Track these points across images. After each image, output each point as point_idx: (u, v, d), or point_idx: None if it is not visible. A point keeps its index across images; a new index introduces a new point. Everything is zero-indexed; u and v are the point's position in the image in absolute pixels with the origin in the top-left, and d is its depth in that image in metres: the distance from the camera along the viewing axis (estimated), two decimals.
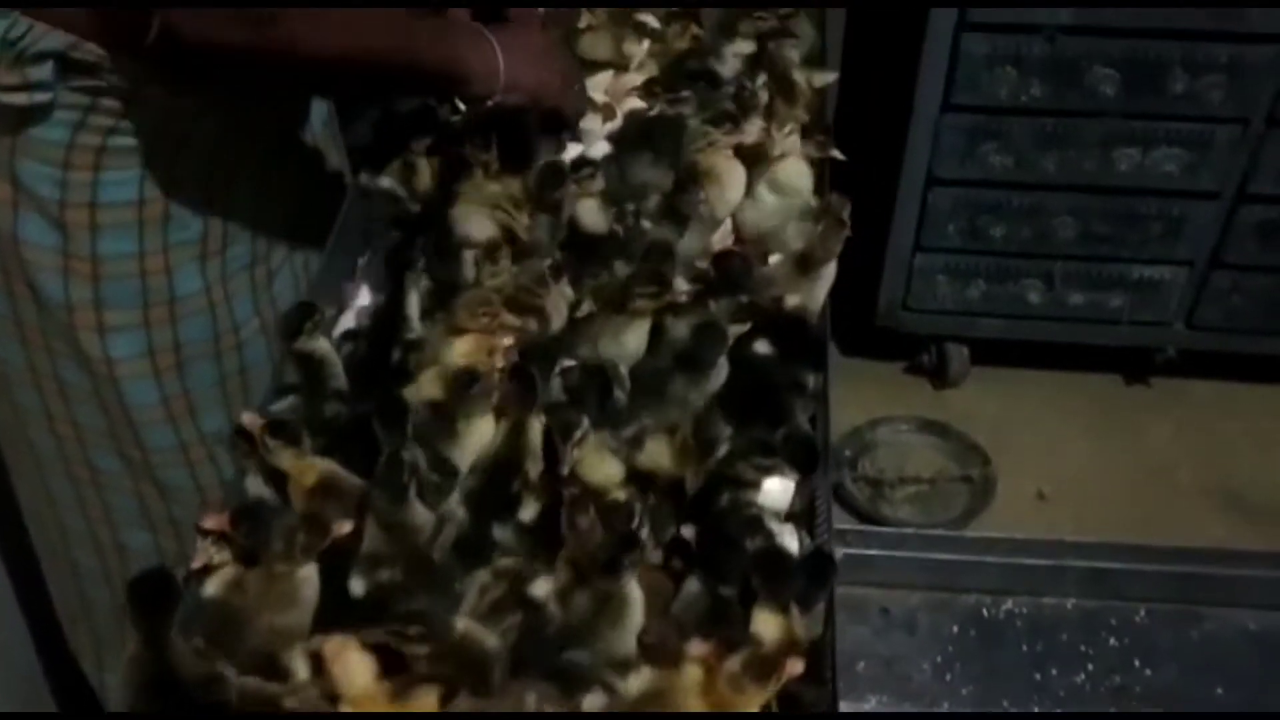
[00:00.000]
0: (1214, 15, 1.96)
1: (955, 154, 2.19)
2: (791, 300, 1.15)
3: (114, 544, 1.45)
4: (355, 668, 0.85)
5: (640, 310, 1.08)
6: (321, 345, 1.10)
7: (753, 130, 1.25)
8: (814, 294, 1.18)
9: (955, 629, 2.23)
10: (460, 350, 1.05)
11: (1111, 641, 2.20)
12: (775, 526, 1.01)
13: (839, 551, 1.05)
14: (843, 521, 2.43)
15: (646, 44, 1.49)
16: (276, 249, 1.35)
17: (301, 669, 0.88)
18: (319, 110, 1.42)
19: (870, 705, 2.06)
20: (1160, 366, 2.58)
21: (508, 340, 1.07)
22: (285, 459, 0.97)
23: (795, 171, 1.25)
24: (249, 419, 0.99)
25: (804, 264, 1.17)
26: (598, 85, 1.45)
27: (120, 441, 1.34)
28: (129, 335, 1.25)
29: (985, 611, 2.25)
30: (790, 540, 1.02)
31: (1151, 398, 2.64)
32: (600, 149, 1.31)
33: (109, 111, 1.14)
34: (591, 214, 1.19)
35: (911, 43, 2.07)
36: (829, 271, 1.17)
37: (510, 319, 1.07)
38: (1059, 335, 2.49)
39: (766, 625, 0.91)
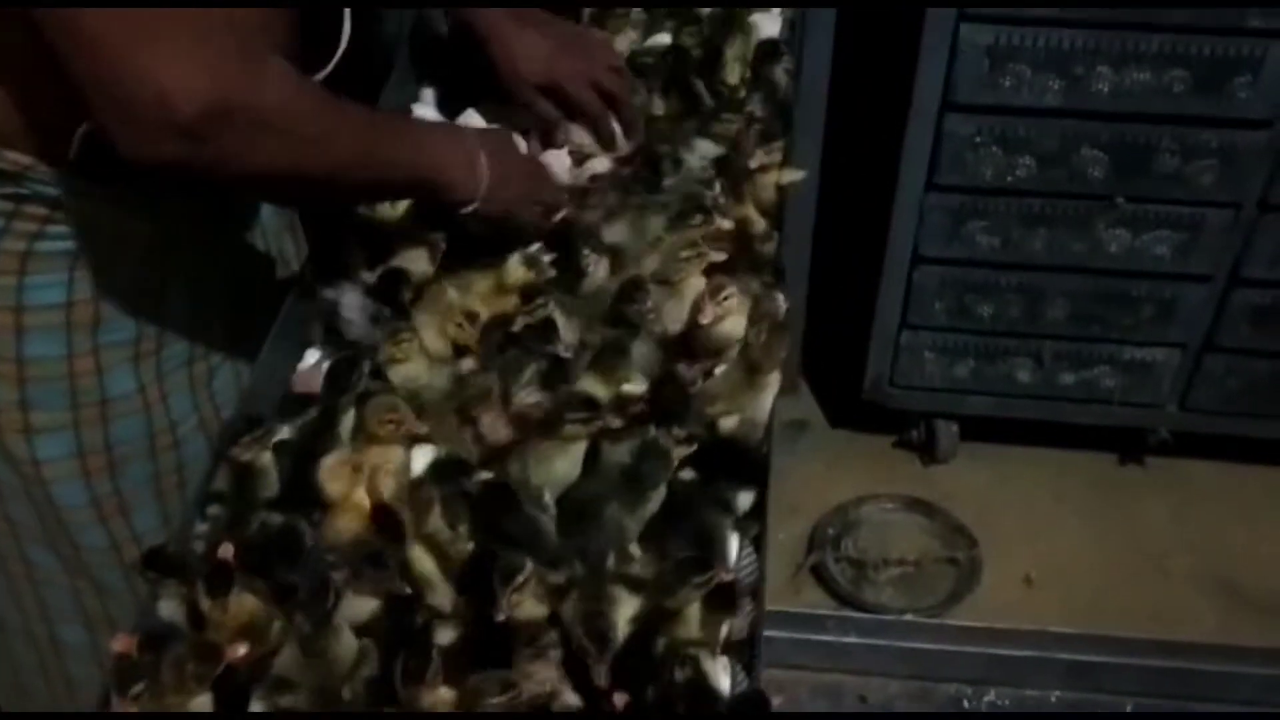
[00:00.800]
0: (1203, 100, 1.92)
1: (941, 233, 2.15)
2: (730, 422, 1.10)
3: (49, 639, 1.41)
4: None
5: (572, 435, 1.04)
6: (262, 457, 1.06)
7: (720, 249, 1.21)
8: (760, 405, 1.13)
9: None
10: (373, 462, 1.01)
11: None
12: (707, 663, 0.97)
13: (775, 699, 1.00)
14: (823, 604, 2.37)
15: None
16: (216, 347, 1.31)
17: None
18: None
19: None
20: (1154, 447, 2.52)
21: (424, 454, 1.03)
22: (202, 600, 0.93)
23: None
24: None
25: (750, 372, 1.13)
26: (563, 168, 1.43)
27: (53, 538, 1.31)
28: (57, 437, 1.22)
29: (966, 702, 2.18)
30: (722, 677, 0.98)
31: (1145, 479, 2.58)
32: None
33: (34, 217, 1.11)
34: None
35: (896, 122, 2.04)
36: (774, 379, 1.12)
37: (418, 426, 1.03)
38: (1049, 414, 2.44)
39: None
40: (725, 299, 1.14)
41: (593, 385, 1.10)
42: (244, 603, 0.93)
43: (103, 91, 0.91)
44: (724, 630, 0.98)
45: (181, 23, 0.90)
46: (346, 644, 0.93)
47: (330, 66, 1.18)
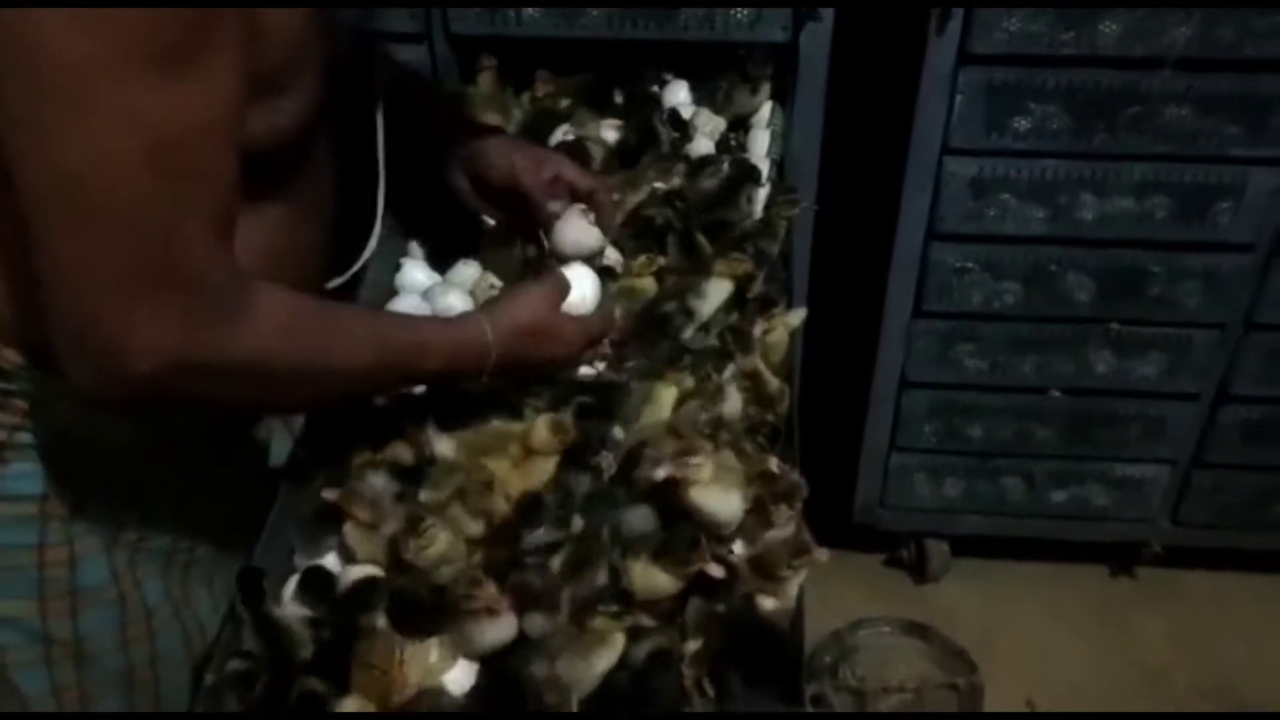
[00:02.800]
0: (1187, 226, 1.93)
1: (929, 358, 2.14)
2: (766, 604, 1.06)
3: None
4: None
5: (605, 630, 1.00)
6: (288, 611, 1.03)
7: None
8: (787, 591, 1.09)
9: None
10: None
11: None
12: None
13: None
14: None
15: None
16: (201, 537, 1.26)
17: None
18: None
19: None
20: (1147, 560, 2.50)
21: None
22: None
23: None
24: None
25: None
26: None
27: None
28: (20, 625, 1.16)
29: None
30: None
31: (1140, 591, 2.55)
32: None
33: (16, 410, 1.07)
34: None
35: (882, 251, 2.03)
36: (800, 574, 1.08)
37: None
38: (1041, 532, 2.42)
39: None
40: (695, 464, 1.09)
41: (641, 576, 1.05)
42: None
43: (63, 324, 0.87)
44: None
45: (170, 272, 0.86)
46: None
47: (349, 275, 1.16)
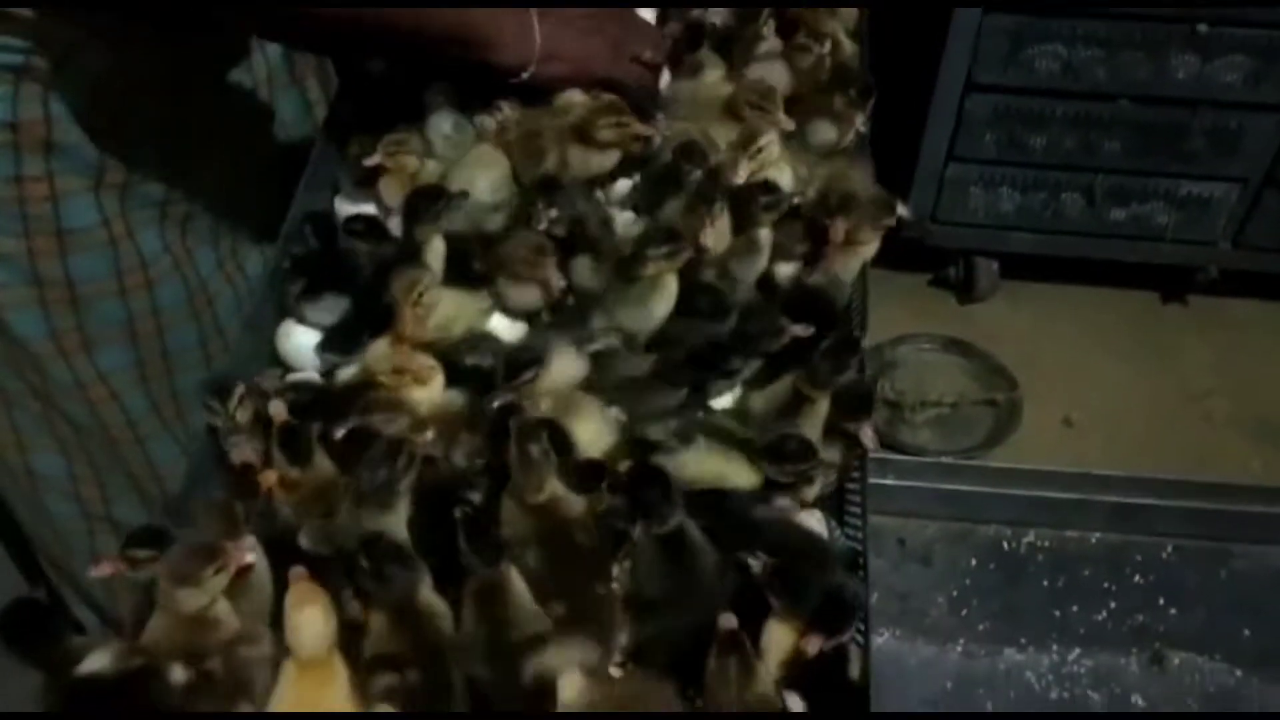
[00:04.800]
0: None
1: (997, 58, 2.02)
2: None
3: (25, 470, 1.36)
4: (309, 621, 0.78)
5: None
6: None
7: None
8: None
9: (973, 562, 2.15)
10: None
11: (1136, 579, 2.11)
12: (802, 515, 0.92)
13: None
14: None
15: None
16: (196, 196, 1.22)
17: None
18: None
19: (883, 640, 1.99)
20: (1200, 285, 2.44)
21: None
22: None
23: None
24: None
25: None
26: None
27: (18, 365, 1.25)
28: (9, 263, 1.15)
29: (1005, 544, 2.16)
30: (818, 526, 0.93)
31: (1190, 318, 2.51)
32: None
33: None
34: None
35: None
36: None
37: None
38: (1096, 251, 2.35)
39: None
40: (759, 150, 1.09)
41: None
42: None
43: None
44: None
45: None
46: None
47: None
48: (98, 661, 0.77)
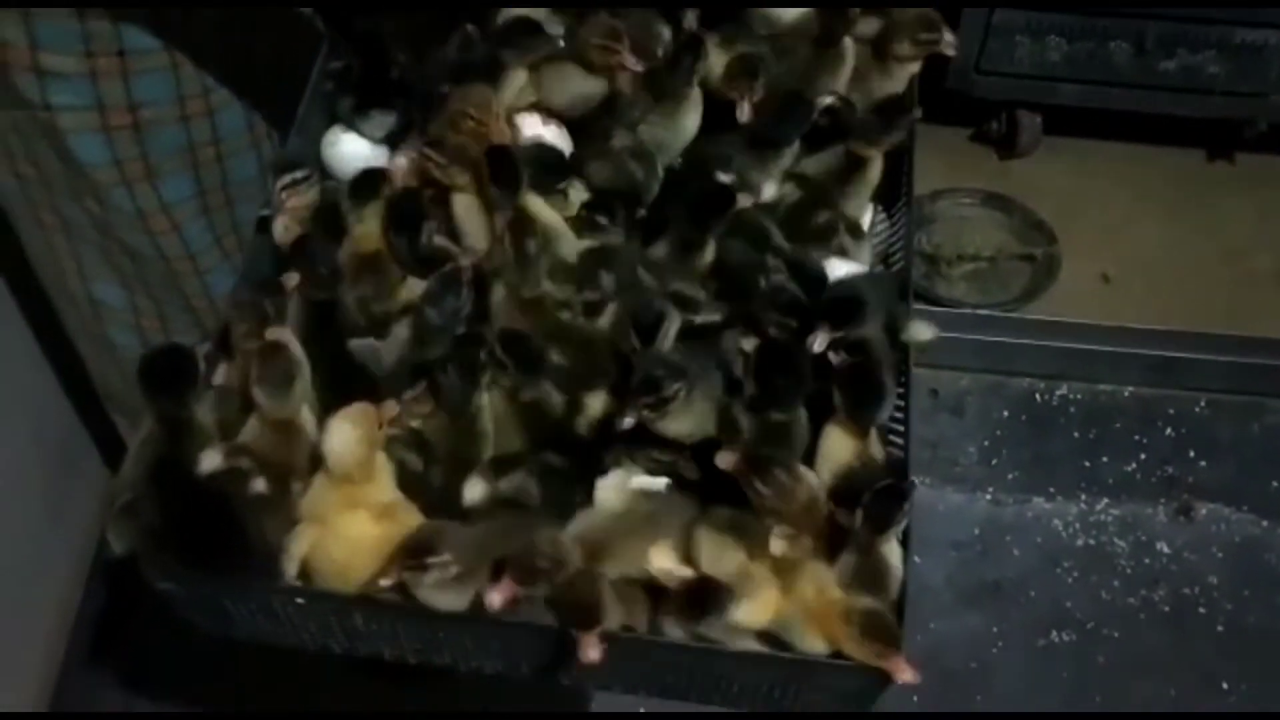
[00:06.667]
0: None
1: None
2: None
3: (87, 298, 1.37)
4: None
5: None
6: None
7: None
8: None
9: (1005, 413, 2.17)
10: None
11: (1168, 431, 2.13)
12: None
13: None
14: None
15: None
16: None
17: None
18: None
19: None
20: (1247, 142, 2.39)
21: None
22: None
23: None
24: None
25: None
26: None
27: (78, 194, 1.24)
28: (70, 83, 1.12)
29: (1038, 396, 2.17)
30: None
31: (1233, 176, 2.46)
32: None
33: None
34: None
35: None
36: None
37: None
38: (1144, 104, 2.29)
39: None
40: None
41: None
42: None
43: None
44: None
45: None
46: None
47: None
48: (210, 461, 0.83)
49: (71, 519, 1.77)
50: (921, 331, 0.97)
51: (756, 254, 0.95)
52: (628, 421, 0.85)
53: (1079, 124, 2.43)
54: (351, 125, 1.04)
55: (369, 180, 0.94)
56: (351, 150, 1.01)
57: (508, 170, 0.89)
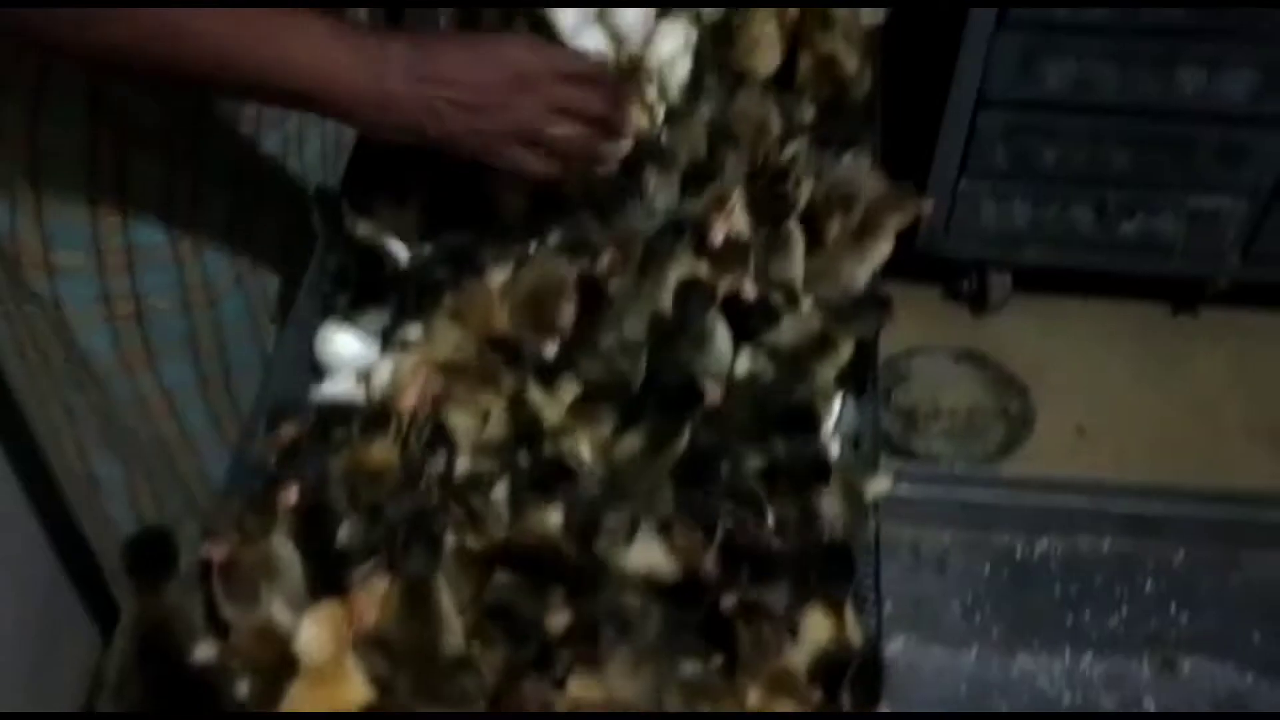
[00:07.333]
0: None
1: (1010, 73, 2.06)
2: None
3: (86, 474, 1.40)
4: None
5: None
6: None
7: None
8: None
9: (987, 569, 2.18)
10: None
11: (1148, 585, 2.14)
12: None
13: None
14: None
15: None
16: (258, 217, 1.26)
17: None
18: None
19: (898, 645, 2.02)
20: (1210, 297, 2.47)
21: None
22: None
23: None
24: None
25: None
26: None
27: (81, 382, 1.28)
28: (80, 279, 1.18)
29: (1019, 552, 2.19)
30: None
31: (1199, 329, 2.54)
32: None
33: None
34: None
35: None
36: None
37: None
38: (1108, 264, 2.38)
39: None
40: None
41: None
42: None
43: None
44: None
45: None
46: None
47: None
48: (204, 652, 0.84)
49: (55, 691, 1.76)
50: (881, 484, 1.00)
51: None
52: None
53: (1048, 280, 2.51)
54: (346, 319, 1.08)
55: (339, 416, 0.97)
56: (345, 348, 1.06)
57: None
